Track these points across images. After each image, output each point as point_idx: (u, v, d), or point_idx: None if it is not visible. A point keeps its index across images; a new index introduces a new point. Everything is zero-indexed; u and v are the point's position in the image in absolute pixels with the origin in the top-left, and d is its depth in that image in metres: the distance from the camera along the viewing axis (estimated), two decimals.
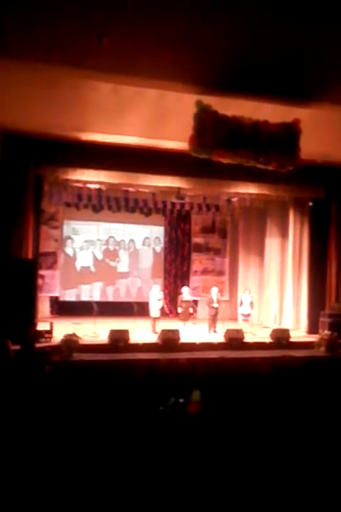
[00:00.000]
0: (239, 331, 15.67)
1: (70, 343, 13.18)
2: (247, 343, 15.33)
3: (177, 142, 13.20)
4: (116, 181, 15.74)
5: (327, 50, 10.25)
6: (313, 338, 16.12)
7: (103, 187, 16.48)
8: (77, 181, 15.82)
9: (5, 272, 13.54)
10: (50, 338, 14.14)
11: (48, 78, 11.94)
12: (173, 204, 19.48)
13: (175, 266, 22.06)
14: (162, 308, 16.88)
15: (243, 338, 15.42)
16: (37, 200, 15.43)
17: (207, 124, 11.86)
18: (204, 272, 21.93)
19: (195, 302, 20.03)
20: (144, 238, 21.79)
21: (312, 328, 17.22)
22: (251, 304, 17.64)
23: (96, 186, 16.45)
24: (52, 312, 19.53)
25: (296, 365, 9.84)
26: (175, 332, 14.89)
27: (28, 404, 5.86)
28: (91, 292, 20.66)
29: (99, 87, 12.60)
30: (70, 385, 7.03)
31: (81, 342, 13.49)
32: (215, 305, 17.15)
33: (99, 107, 12.72)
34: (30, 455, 4.67)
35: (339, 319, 16.23)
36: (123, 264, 21.42)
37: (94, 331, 15.32)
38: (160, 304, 16.69)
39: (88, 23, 9.38)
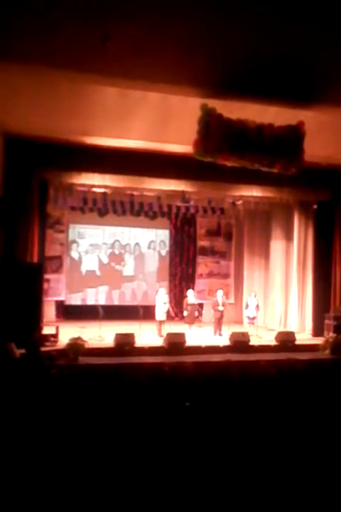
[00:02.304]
0: (245, 334, 15.67)
1: (76, 346, 13.20)
2: (252, 346, 15.34)
3: (181, 146, 13.23)
4: (121, 185, 15.80)
5: (331, 52, 10.25)
6: (318, 340, 16.11)
7: (108, 191, 16.53)
8: (82, 185, 15.86)
9: (10, 276, 13.59)
10: (56, 342, 14.18)
11: (52, 82, 11.97)
12: (178, 207, 19.50)
13: (181, 269, 22.06)
14: (168, 312, 16.88)
15: (248, 340, 15.42)
16: (42, 205, 15.49)
17: (211, 127, 11.87)
18: (210, 275, 21.92)
19: (201, 305, 20.01)
20: (149, 242, 21.80)
21: (318, 331, 17.23)
22: (257, 306, 17.63)
23: (102, 190, 16.50)
24: (57, 316, 19.57)
25: (301, 368, 9.83)
26: (181, 335, 14.91)
27: (34, 408, 5.87)
28: (96, 296, 20.68)
29: (104, 91, 12.62)
30: (76, 388, 7.04)
31: (86, 346, 13.49)
32: (221, 308, 17.16)
33: (104, 110, 12.75)
34: (36, 458, 4.69)
35: None
36: (128, 268, 21.43)
37: (100, 335, 15.35)
38: (166, 307, 16.70)
39: (92, 26, 9.41)
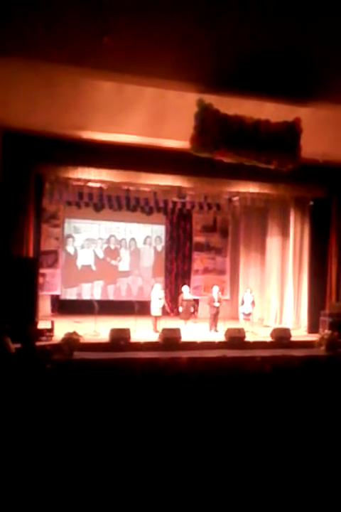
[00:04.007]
0: (240, 330, 15.67)
1: (71, 341, 13.17)
2: (248, 342, 15.33)
3: (178, 141, 13.21)
4: (117, 180, 15.75)
5: (328, 49, 10.25)
6: (314, 337, 16.11)
7: (104, 185, 16.50)
8: (78, 180, 15.81)
9: (6, 270, 13.55)
10: (51, 336, 14.16)
11: (49, 77, 11.96)
12: (174, 203, 19.47)
13: (176, 265, 22.07)
14: (163, 307, 16.89)
15: (244, 337, 15.42)
16: (38, 199, 15.44)
17: (208, 123, 11.86)
18: (206, 271, 21.93)
19: (196, 301, 20.03)
20: (145, 237, 21.80)
21: (313, 328, 17.23)
22: (253, 303, 17.63)
23: (98, 185, 16.46)
24: (53, 311, 19.56)
25: (297, 365, 9.84)
26: (176, 331, 14.90)
27: (29, 402, 5.86)
28: (92, 291, 20.69)
29: (101, 86, 12.61)
30: (71, 383, 7.03)
31: (82, 341, 13.47)
32: (216, 304, 17.17)
33: (100, 105, 12.72)
34: (30, 454, 4.68)
35: (339, 318, 16.24)
36: (124, 263, 21.43)
37: (95, 330, 15.33)
38: (162, 302, 16.71)
39: (89, 21, 9.38)
